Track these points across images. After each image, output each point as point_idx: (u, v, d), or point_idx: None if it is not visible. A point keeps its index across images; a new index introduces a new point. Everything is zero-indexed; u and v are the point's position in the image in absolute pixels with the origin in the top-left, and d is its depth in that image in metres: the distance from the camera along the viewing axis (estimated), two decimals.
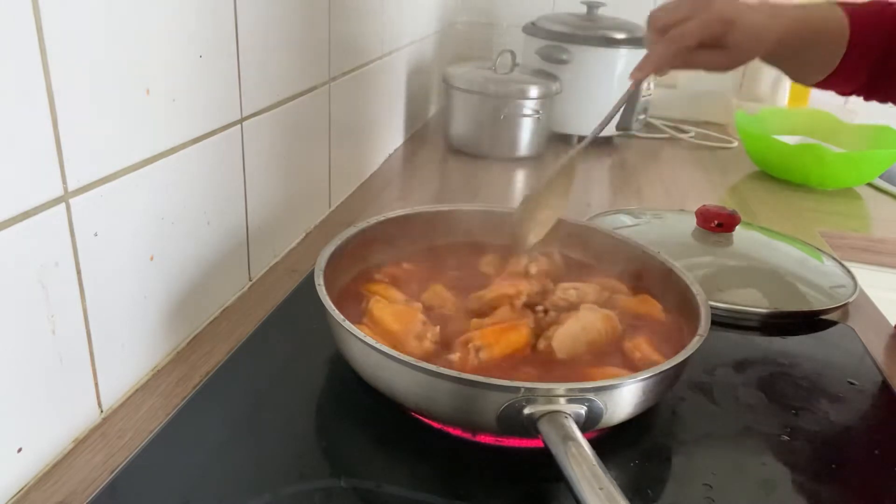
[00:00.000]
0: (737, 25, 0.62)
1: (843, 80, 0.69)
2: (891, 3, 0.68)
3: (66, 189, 0.44)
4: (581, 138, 1.27)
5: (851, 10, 0.67)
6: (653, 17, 0.65)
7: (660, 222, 0.89)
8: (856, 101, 1.44)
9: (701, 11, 0.62)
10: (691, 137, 1.39)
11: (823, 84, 0.70)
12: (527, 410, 0.44)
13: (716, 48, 0.63)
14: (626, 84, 0.65)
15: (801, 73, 0.71)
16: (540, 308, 0.58)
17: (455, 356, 0.51)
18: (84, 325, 0.47)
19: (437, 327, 0.54)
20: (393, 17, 1.06)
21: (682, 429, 0.54)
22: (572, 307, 0.58)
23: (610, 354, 0.55)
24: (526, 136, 1.18)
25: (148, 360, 0.56)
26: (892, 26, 0.66)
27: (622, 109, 0.68)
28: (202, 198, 0.59)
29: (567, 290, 0.60)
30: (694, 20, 0.62)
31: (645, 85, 1.23)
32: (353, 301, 0.59)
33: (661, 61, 0.63)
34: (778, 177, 1.19)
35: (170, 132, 0.54)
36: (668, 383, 0.51)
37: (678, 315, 0.58)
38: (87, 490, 0.45)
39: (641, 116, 1.28)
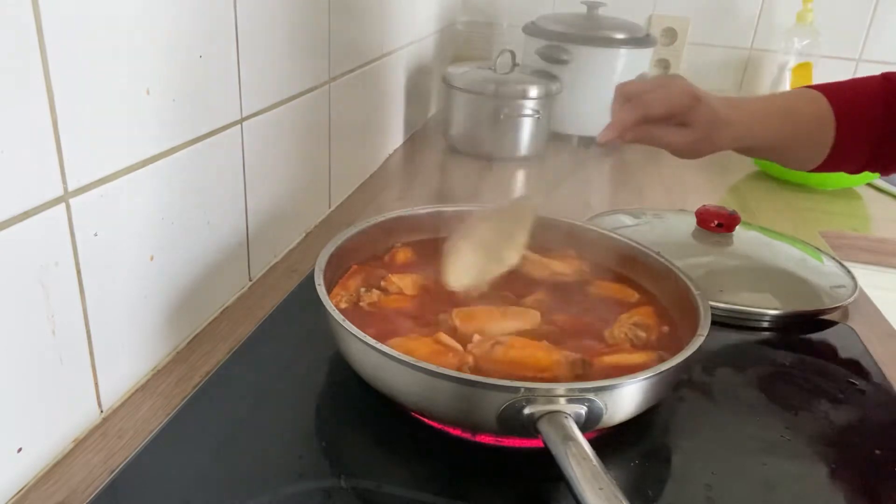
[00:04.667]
0: (703, 103, 0.62)
1: (846, 159, 0.68)
2: (864, 78, 0.68)
3: (66, 189, 0.44)
4: (581, 138, 1.28)
5: (824, 87, 0.67)
6: (620, 86, 0.65)
7: (660, 222, 0.89)
8: None
9: (669, 85, 0.63)
10: None
11: (826, 166, 0.69)
12: (527, 410, 0.44)
13: (681, 126, 0.63)
14: None
15: (795, 159, 0.71)
16: None
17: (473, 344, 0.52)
18: (84, 325, 0.47)
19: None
20: (393, 17, 1.06)
21: (682, 429, 0.54)
22: None
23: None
24: (526, 136, 1.18)
25: (148, 360, 0.56)
26: (880, 96, 0.65)
27: None
28: (202, 198, 0.59)
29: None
30: (660, 90, 0.63)
31: None
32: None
33: (623, 126, 0.62)
34: (778, 177, 1.19)
35: (170, 132, 0.54)
36: (668, 383, 0.51)
37: (678, 315, 0.58)
38: (87, 490, 0.45)
39: None
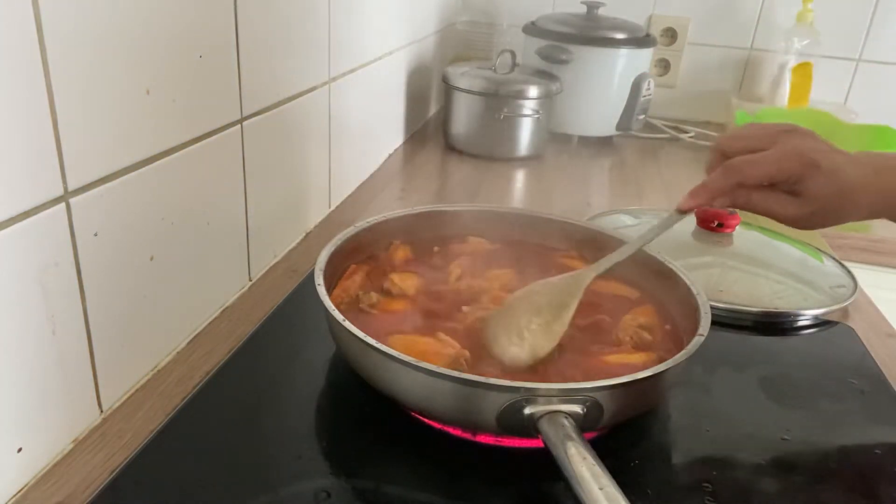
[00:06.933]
0: (822, 170, 0.50)
1: None
2: None
3: (66, 189, 0.44)
4: (581, 138, 1.28)
5: None
6: (719, 140, 0.54)
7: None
8: (856, 101, 1.45)
9: (779, 143, 0.51)
10: (691, 137, 1.39)
11: None
12: (527, 410, 0.44)
13: (790, 194, 0.51)
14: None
15: None
16: None
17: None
18: (84, 325, 0.47)
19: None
20: (393, 17, 1.06)
21: (683, 429, 0.54)
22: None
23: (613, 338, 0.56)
24: (526, 136, 1.18)
25: (148, 360, 0.56)
26: None
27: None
28: (202, 198, 0.59)
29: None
30: (767, 151, 0.51)
31: (645, 85, 1.23)
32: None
33: (714, 192, 0.52)
34: None
35: (170, 132, 0.54)
36: (668, 383, 0.51)
37: (678, 315, 0.58)
38: (87, 490, 0.45)
39: (641, 116, 1.27)
